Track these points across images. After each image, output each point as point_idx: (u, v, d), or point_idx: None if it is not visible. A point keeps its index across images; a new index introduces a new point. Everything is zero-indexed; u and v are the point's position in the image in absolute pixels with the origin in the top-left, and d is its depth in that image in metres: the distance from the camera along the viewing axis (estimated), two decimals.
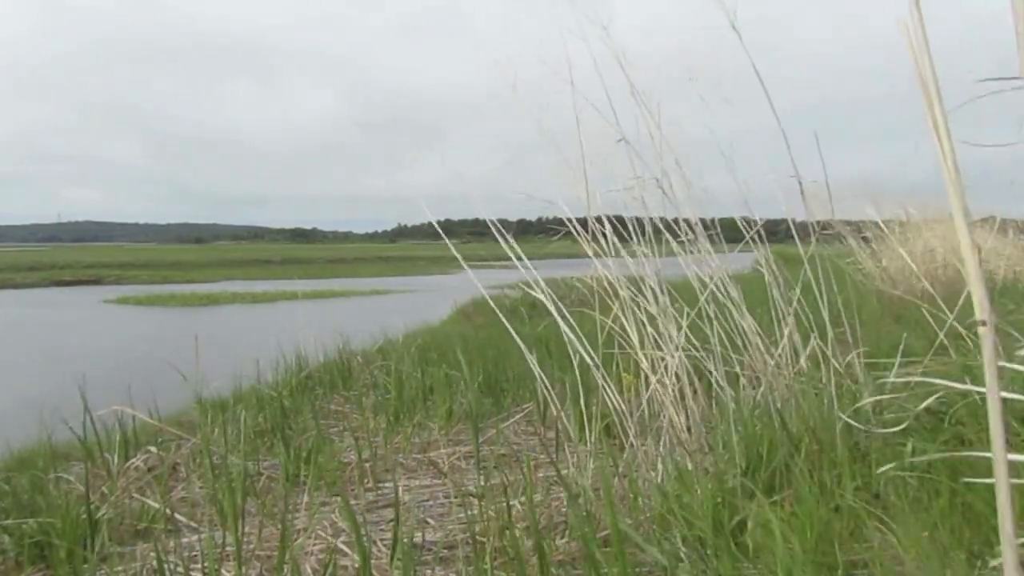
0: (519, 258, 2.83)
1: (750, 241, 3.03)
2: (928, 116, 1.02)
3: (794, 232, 2.90)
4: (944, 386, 1.94)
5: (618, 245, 2.87)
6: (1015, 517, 0.97)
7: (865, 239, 8.51)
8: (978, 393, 1.96)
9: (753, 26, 2.56)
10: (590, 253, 2.82)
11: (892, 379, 2.24)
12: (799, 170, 2.67)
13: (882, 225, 8.35)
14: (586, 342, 2.66)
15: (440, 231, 3.12)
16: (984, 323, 1.00)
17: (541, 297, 2.73)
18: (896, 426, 2.08)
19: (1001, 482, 0.97)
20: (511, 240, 2.84)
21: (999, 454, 0.98)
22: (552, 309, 2.68)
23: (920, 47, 1.01)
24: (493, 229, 2.86)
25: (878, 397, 2.24)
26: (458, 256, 2.93)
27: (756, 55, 2.53)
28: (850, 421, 2.14)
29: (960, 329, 2.63)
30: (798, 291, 2.73)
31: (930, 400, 2.03)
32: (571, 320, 2.67)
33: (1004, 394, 1.25)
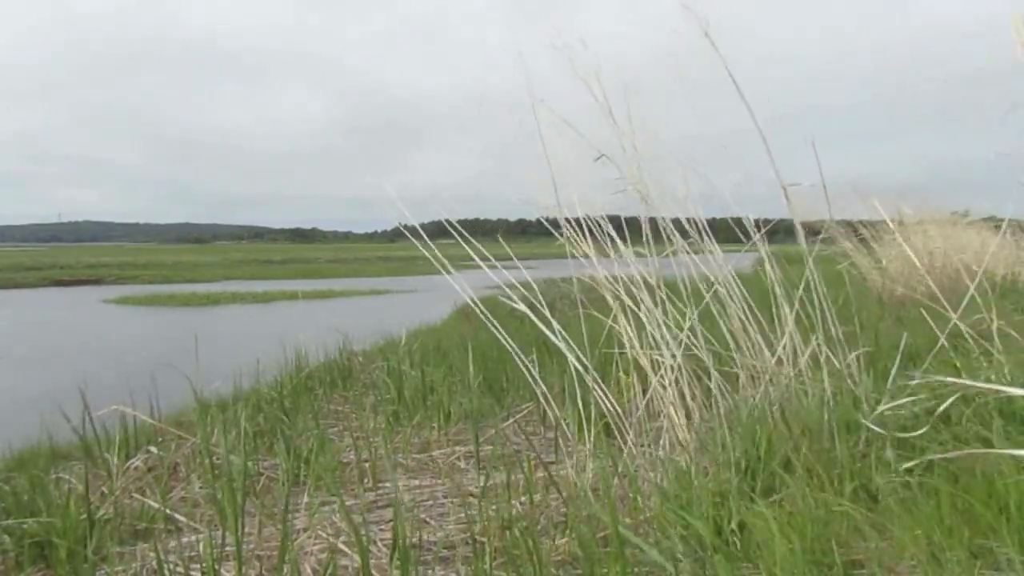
0: (485, 259, 2.83)
1: (750, 241, 3.03)
2: None
3: (799, 231, 2.89)
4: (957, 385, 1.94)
5: (613, 246, 2.86)
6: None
7: (863, 239, 8.51)
8: (978, 394, 1.96)
9: (731, 30, 2.57)
10: (588, 253, 2.81)
11: (892, 382, 2.25)
12: (791, 172, 2.68)
13: (880, 225, 8.34)
14: (575, 346, 2.65)
15: (424, 235, 3.09)
16: None
17: (521, 307, 2.73)
18: (896, 426, 2.08)
19: None
20: (472, 242, 2.85)
21: None
22: (536, 320, 2.67)
23: None
24: (456, 235, 2.87)
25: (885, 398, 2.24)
26: (441, 266, 2.93)
27: (733, 60, 2.55)
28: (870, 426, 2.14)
29: (962, 328, 2.63)
30: (800, 290, 2.73)
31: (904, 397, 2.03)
32: (556, 324, 2.66)
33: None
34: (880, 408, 2.15)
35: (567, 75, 2.73)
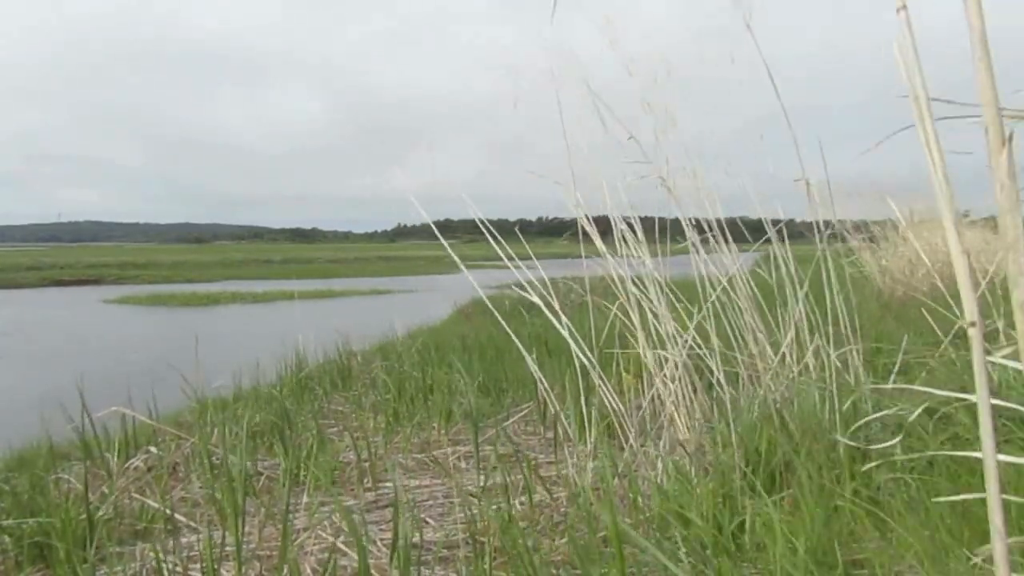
0: (510, 258, 2.83)
1: (756, 240, 3.03)
2: (919, 129, 1.03)
3: (816, 230, 2.89)
4: (933, 393, 1.94)
5: (618, 244, 2.86)
6: (1005, 514, 0.97)
7: (868, 238, 8.51)
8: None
9: (730, 30, 2.57)
10: (601, 247, 2.81)
11: (893, 382, 2.24)
12: (792, 171, 2.68)
13: (883, 225, 8.35)
14: (582, 343, 2.65)
15: (437, 232, 3.10)
16: (973, 324, 1.00)
17: (536, 299, 2.72)
18: (896, 427, 2.07)
19: (991, 481, 0.97)
20: (500, 240, 2.85)
21: (988, 454, 0.98)
22: (547, 311, 2.67)
23: (911, 63, 1.02)
24: (484, 230, 2.86)
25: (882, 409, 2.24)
26: (456, 258, 2.93)
27: (741, 58, 2.55)
28: (845, 441, 2.14)
29: (966, 328, 2.62)
30: (806, 289, 2.73)
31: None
32: (566, 320, 2.66)
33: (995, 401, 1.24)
34: (876, 414, 2.15)
35: (592, 65, 2.73)
